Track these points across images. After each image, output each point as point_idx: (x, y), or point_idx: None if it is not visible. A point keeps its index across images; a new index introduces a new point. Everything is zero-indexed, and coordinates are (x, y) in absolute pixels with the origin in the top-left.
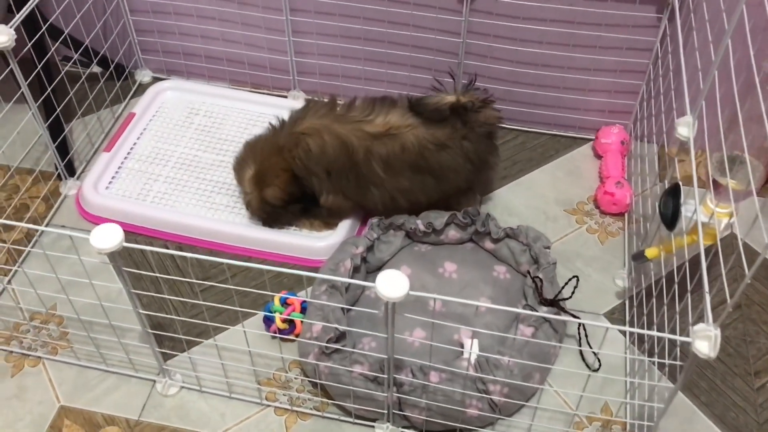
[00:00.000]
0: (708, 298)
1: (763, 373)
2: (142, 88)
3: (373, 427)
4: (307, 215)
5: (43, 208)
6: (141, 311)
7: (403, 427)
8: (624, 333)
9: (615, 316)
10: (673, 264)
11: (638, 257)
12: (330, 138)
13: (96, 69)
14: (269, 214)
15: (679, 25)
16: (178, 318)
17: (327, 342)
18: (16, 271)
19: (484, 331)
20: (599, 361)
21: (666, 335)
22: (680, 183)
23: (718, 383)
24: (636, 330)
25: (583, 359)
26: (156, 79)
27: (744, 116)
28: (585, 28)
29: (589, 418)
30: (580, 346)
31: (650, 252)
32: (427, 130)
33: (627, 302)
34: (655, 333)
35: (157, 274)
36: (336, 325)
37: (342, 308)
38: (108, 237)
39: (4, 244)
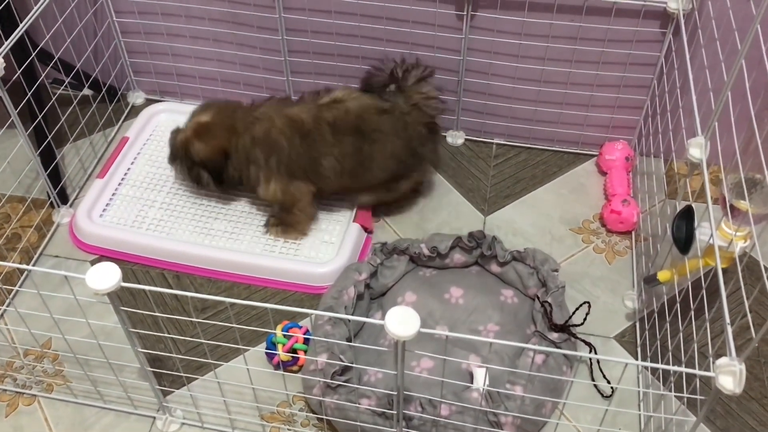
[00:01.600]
0: (730, 330)
1: None
2: (135, 111)
3: None
4: (267, 224)
5: (35, 238)
6: (139, 350)
7: None
8: (634, 354)
9: (626, 338)
10: (687, 286)
11: (650, 280)
12: (279, 120)
13: (87, 92)
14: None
15: (686, 41)
16: (177, 356)
17: (332, 375)
18: (5, 309)
19: (495, 367)
20: (612, 388)
21: (687, 370)
22: (693, 206)
23: (733, 407)
24: (655, 365)
25: (596, 386)
26: (149, 101)
27: (762, 138)
28: (587, 44)
29: None
30: (591, 372)
31: (663, 275)
32: (370, 98)
33: (638, 325)
34: (674, 368)
35: (156, 313)
36: (341, 358)
37: (347, 339)
38: (105, 277)
39: None
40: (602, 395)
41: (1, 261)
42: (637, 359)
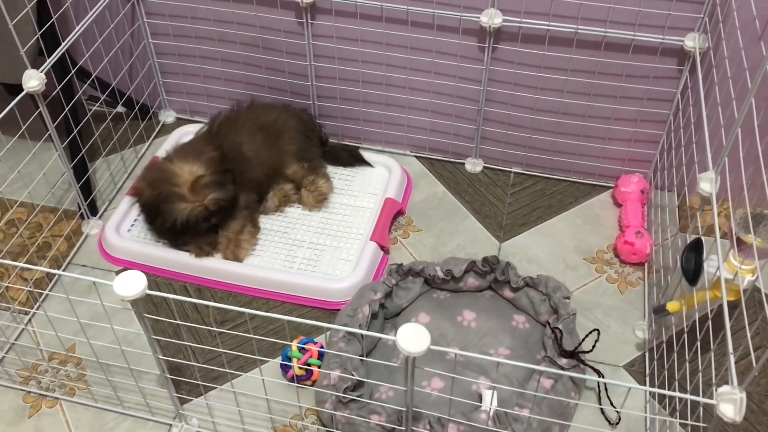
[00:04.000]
0: (732, 359)
1: None
2: (165, 129)
3: None
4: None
5: (65, 247)
6: (160, 357)
7: None
8: (646, 390)
9: (635, 368)
10: (694, 317)
11: (659, 311)
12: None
13: (121, 109)
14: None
15: (701, 78)
16: (196, 364)
17: (344, 391)
18: (34, 312)
19: (504, 387)
20: (619, 415)
21: (689, 396)
22: (702, 238)
23: None
24: (659, 390)
25: (603, 413)
26: (180, 120)
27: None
28: (605, 78)
29: None
30: (599, 399)
31: (672, 306)
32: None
33: (647, 354)
34: (678, 394)
35: (177, 321)
36: (353, 374)
37: (360, 356)
38: (131, 284)
39: (24, 287)
40: (609, 422)
41: (33, 267)
42: (645, 391)
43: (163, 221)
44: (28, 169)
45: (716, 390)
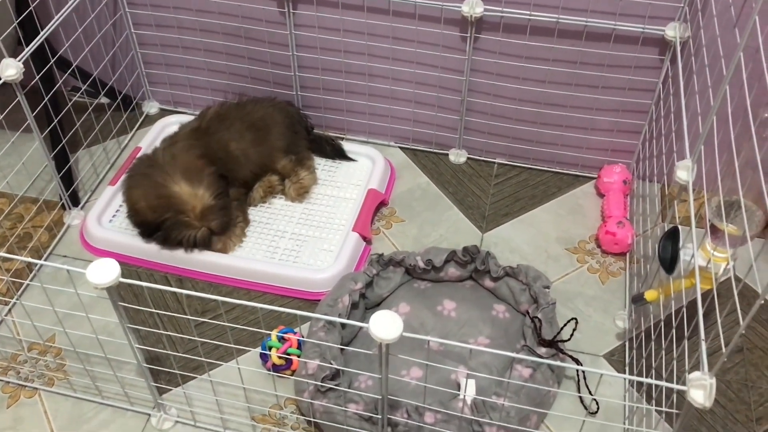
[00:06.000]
0: (704, 346)
1: (764, 419)
2: (149, 120)
3: None
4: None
5: (46, 238)
6: (137, 346)
7: None
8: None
9: (615, 357)
10: (671, 307)
11: (638, 299)
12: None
13: (104, 100)
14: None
15: (681, 68)
16: (175, 353)
17: (322, 380)
18: (15, 303)
19: (481, 375)
20: (597, 404)
21: (662, 383)
22: (679, 226)
23: (718, 429)
24: (633, 377)
25: (582, 402)
26: (163, 111)
27: (741, 162)
28: (588, 68)
29: None
30: (578, 388)
31: (650, 294)
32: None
33: (627, 344)
34: (651, 381)
35: (153, 310)
36: (332, 363)
37: (339, 346)
38: (105, 272)
39: (4, 277)
40: (588, 411)
41: (12, 257)
42: (624, 379)
43: (165, 241)
44: (9, 161)
45: (688, 377)
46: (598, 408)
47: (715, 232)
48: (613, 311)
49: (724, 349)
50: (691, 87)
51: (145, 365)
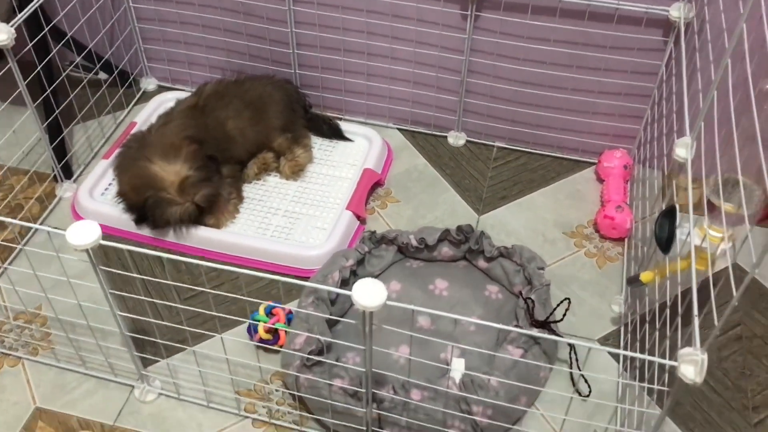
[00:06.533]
0: (696, 321)
1: (762, 408)
2: (146, 96)
3: None
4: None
5: (37, 210)
6: (119, 313)
7: None
8: (617, 358)
9: (609, 342)
10: (666, 290)
11: (633, 281)
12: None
13: (101, 75)
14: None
15: (684, 49)
16: (162, 322)
17: (309, 354)
18: (4, 269)
19: (470, 348)
20: (589, 386)
21: (654, 358)
22: (677, 206)
23: (713, 416)
24: (621, 352)
25: (574, 384)
26: (161, 88)
27: (740, 136)
28: (590, 50)
29: None
30: (571, 373)
31: (645, 276)
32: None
33: (622, 329)
34: (640, 355)
35: (137, 275)
36: (319, 337)
37: (327, 321)
38: (85, 234)
39: None
40: (579, 394)
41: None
42: (618, 362)
43: (154, 224)
44: (3, 132)
45: (679, 352)
46: (590, 391)
47: (713, 210)
48: (610, 296)
49: (716, 321)
50: (693, 65)
51: (128, 334)
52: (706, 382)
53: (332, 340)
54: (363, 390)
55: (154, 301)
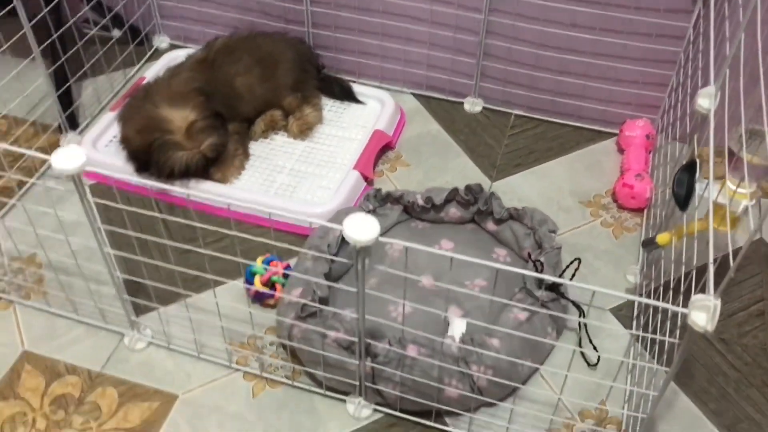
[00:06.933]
0: (712, 268)
1: None
2: (158, 54)
3: (344, 401)
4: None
5: (39, 160)
6: (107, 250)
7: (377, 404)
8: (627, 324)
9: (622, 312)
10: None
11: (648, 243)
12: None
13: (115, 33)
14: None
15: (713, 4)
16: (151, 261)
17: (304, 305)
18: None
19: (473, 306)
20: (598, 353)
21: (665, 305)
22: (697, 160)
23: (730, 392)
24: (633, 297)
25: (582, 354)
26: (173, 46)
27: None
28: (614, 10)
29: (582, 414)
30: (579, 339)
31: (662, 238)
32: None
33: (636, 304)
34: (645, 299)
35: (127, 207)
36: (315, 289)
37: (325, 275)
38: (70, 158)
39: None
40: (588, 364)
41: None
42: (628, 327)
43: (159, 171)
44: (11, 83)
45: (690, 299)
46: (598, 358)
47: (735, 163)
48: (625, 266)
49: (732, 263)
50: (721, 15)
51: (118, 273)
52: (724, 357)
53: (330, 284)
54: (356, 339)
55: (152, 238)
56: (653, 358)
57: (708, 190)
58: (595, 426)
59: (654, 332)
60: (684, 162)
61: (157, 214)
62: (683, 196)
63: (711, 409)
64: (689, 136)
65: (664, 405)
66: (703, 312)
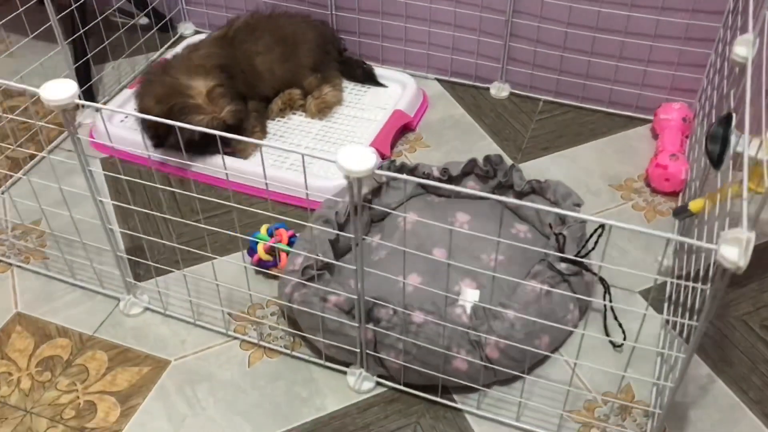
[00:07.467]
0: (745, 205)
1: None
2: (182, 41)
3: (345, 373)
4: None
5: (55, 132)
6: (100, 199)
7: (379, 376)
8: (659, 308)
9: (652, 294)
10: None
11: (680, 211)
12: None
13: (143, 21)
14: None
15: None
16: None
17: (305, 269)
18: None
19: (491, 273)
20: (624, 333)
21: (688, 240)
22: (733, 113)
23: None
24: (667, 235)
25: (607, 333)
26: (198, 33)
27: None
28: None
29: (605, 398)
30: (605, 317)
31: (694, 205)
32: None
33: (669, 283)
34: (672, 236)
35: (127, 178)
36: (318, 255)
37: (330, 242)
38: (60, 90)
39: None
40: (614, 346)
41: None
42: (660, 313)
43: (179, 137)
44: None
45: (721, 234)
46: (624, 338)
47: None
48: (656, 249)
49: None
50: None
51: (110, 226)
52: (767, 343)
53: (333, 263)
54: (355, 297)
55: (157, 215)
56: (685, 341)
57: (741, 144)
58: (620, 409)
59: (684, 314)
60: (718, 117)
61: (160, 186)
62: (717, 153)
63: (751, 397)
64: (726, 88)
65: (699, 391)
66: (734, 246)
